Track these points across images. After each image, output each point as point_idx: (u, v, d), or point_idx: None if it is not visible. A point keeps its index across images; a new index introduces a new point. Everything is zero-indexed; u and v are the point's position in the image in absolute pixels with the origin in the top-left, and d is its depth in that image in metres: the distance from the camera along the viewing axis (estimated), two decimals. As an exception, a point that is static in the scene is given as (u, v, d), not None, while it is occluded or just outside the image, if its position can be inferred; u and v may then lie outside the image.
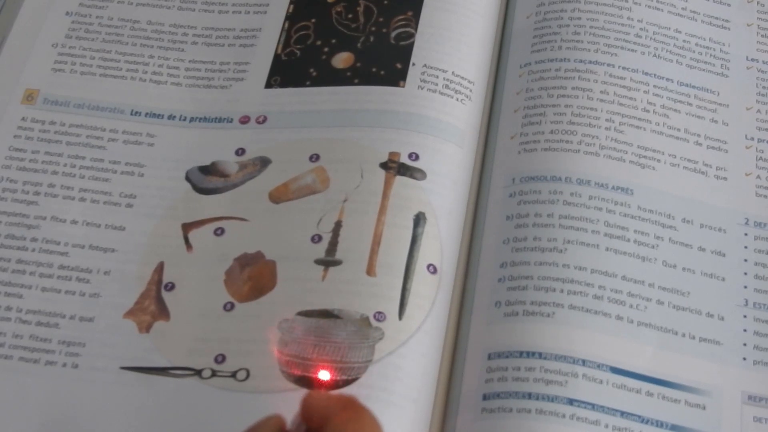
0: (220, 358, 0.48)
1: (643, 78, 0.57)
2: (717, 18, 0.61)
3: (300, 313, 0.48)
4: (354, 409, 0.38)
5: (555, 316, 0.48)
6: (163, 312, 0.49)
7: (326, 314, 0.48)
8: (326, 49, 0.58)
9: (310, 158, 0.53)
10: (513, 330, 0.48)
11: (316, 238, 0.50)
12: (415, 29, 0.58)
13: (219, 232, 0.52)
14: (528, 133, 0.55)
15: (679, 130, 0.56)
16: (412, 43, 0.57)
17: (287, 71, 0.57)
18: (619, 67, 0.57)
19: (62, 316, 0.49)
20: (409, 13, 0.58)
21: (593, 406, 0.46)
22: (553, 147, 0.54)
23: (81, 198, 0.53)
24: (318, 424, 0.37)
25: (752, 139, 0.56)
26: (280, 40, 0.59)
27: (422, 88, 0.55)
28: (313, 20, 0.59)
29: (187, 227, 0.52)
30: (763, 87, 0.58)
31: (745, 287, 0.51)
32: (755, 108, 0.57)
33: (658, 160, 0.54)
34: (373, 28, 0.58)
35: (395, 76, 0.56)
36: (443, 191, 0.52)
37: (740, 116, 0.57)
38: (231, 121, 0.56)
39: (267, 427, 0.39)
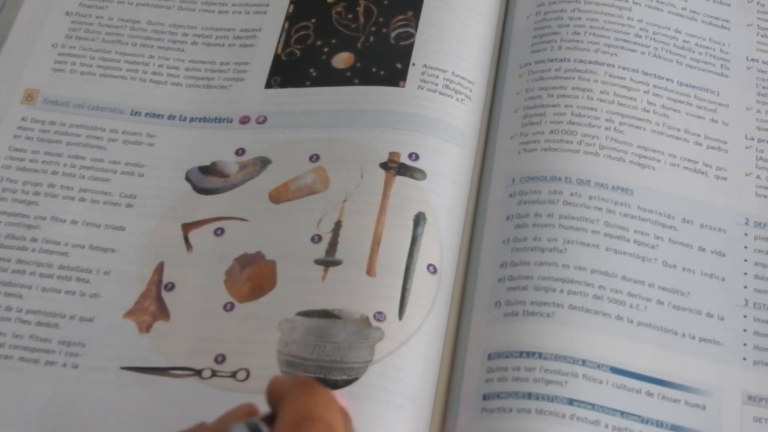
0: (220, 358, 0.48)
1: (643, 78, 0.57)
2: (717, 18, 0.61)
3: (300, 313, 0.48)
4: (307, 384, 0.40)
5: (555, 316, 0.48)
6: (163, 312, 0.50)
7: (326, 314, 0.48)
8: (326, 49, 0.58)
9: (310, 158, 0.53)
10: (513, 330, 0.48)
11: (316, 238, 0.50)
12: (415, 29, 0.58)
13: (219, 232, 0.52)
14: (528, 133, 0.55)
15: (679, 130, 0.56)
16: (412, 43, 0.57)
17: (287, 71, 0.57)
18: (619, 67, 0.57)
19: (62, 316, 0.49)
20: (409, 13, 0.58)
21: (593, 406, 0.46)
22: (553, 147, 0.54)
23: (81, 198, 0.53)
24: (276, 402, 0.39)
25: (752, 139, 0.56)
26: (280, 40, 0.59)
27: (422, 88, 0.55)
28: (313, 20, 0.59)
29: (187, 227, 0.52)
30: (763, 87, 0.58)
31: (745, 287, 0.51)
32: (755, 108, 0.57)
33: (658, 160, 0.54)
34: (373, 28, 0.58)
35: (395, 76, 0.56)
36: (443, 191, 0.52)
37: (740, 116, 0.57)
38: (231, 121, 0.56)
39: (238, 412, 0.40)
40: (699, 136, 0.56)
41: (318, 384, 0.40)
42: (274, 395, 0.39)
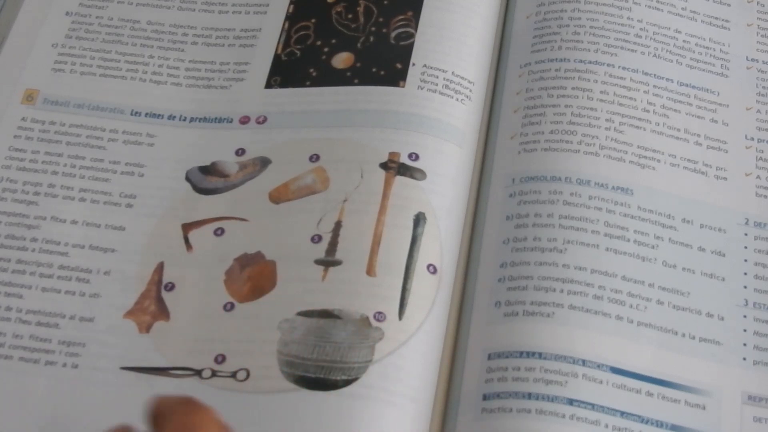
0: (220, 358, 0.48)
1: (643, 78, 0.57)
2: (717, 18, 0.61)
3: (300, 313, 0.48)
4: (188, 403, 0.38)
5: (555, 316, 0.48)
6: (163, 312, 0.50)
7: (326, 314, 0.48)
8: (326, 49, 0.58)
9: (310, 158, 0.53)
10: (513, 330, 0.48)
11: (316, 238, 0.50)
12: (415, 29, 0.58)
13: (219, 232, 0.52)
14: (528, 133, 0.55)
15: (679, 130, 0.56)
16: (412, 43, 0.57)
17: (287, 71, 0.57)
18: (619, 67, 0.57)
19: (62, 316, 0.49)
20: (409, 13, 0.58)
21: (593, 406, 0.46)
22: (553, 147, 0.54)
23: (81, 198, 0.53)
24: (158, 421, 0.38)
25: (752, 139, 0.56)
26: (280, 40, 0.59)
27: (422, 88, 0.55)
28: (313, 20, 0.59)
29: (187, 227, 0.52)
30: (763, 87, 0.58)
31: (745, 287, 0.51)
32: (755, 108, 0.57)
33: (658, 160, 0.54)
34: (373, 28, 0.58)
35: (395, 76, 0.56)
36: (443, 191, 0.52)
37: (740, 116, 0.57)
38: (231, 121, 0.56)
39: None
40: (699, 136, 0.56)
41: (200, 403, 0.38)
42: (155, 414, 0.38)
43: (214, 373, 0.47)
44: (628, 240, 0.51)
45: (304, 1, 0.60)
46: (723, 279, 0.51)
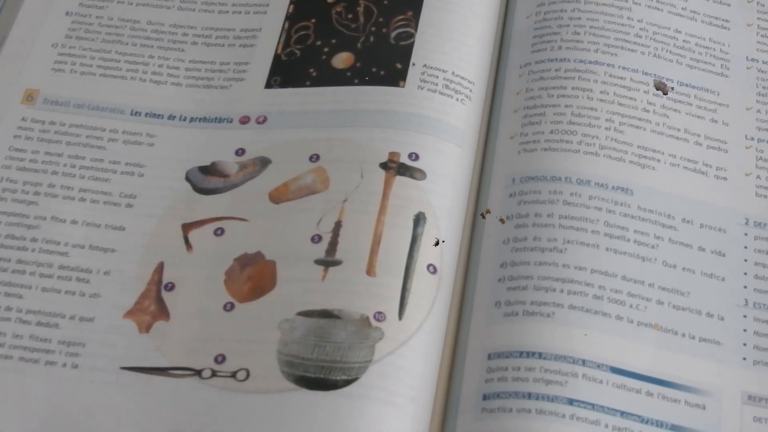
0: (220, 358, 0.48)
1: (643, 78, 0.57)
2: (717, 18, 0.61)
3: (300, 313, 0.48)
4: None
5: (555, 316, 0.48)
6: (163, 312, 0.50)
7: (326, 314, 0.48)
8: (326, 49, 0.58)
9: (310, 158, 0.53)
10: (513, 330, 0.48)
11: (316, 238, 0.50)
12: (415, 29, 0.58)
13: (219, 232, 0.52)
14: (528, 133, 0.55)
15: (679, 130, 0.56)
16: (412, 43, 0.57)
17: (287, 71, 0.57)
18: (619, 67, 0.57)
19: (62, 316, 0.49)
20: (409, 13, 0.58)
21: (593, 406, 0.46)
22: (553, 147, 0.54)
23: (81, 198, 0.53)
24: None
25: (752, 139, 0.56)
26: (280, 40, 0.59)
27: (422, 88, 0.55)
28: (313, 20, 0.59)
29: (187, 227, 0.52)
30: (763, 87, 0.58)
31: (745, 287, 0.51)
32: (755, 108, 0.57)
33: (658, 160, 0.54)
34: (373, 28, 0.58)
35: (395, 76, 0.56)
36: (443, 191, 0.52)
37: (740, 116, 0.57)
38: (231, 121, 0.56)
39: None
40: (699, 136, 0.56)
41: None
42: None
43: (214, 373, 0.47)
44: (628, 240, 0.51)
45: (304, 1, 0.60)
46: (723, 279, 0.51)
